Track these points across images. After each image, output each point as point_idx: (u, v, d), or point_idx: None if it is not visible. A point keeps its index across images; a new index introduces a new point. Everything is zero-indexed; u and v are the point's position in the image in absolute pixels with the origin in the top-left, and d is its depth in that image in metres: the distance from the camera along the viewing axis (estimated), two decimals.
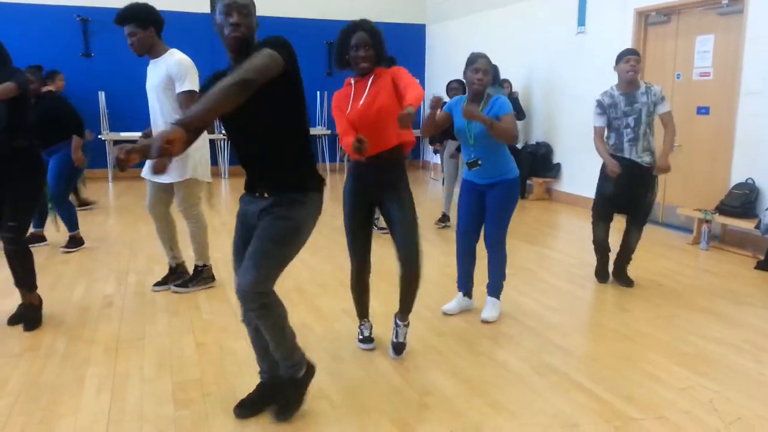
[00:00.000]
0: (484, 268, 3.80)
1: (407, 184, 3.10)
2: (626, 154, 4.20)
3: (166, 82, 3.80)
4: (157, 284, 4.28)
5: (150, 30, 3.77)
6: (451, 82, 6.38)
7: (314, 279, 4.56)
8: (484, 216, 3.67)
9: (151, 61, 3.90)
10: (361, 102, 2.96)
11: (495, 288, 3.77)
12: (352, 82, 3.04)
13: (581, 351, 3.29)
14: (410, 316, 3.24)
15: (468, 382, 2.91)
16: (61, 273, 4.64)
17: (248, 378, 2.91)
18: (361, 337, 3.33)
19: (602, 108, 4.24)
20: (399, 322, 3.20)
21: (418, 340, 3.41)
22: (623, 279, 4.46)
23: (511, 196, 3.61)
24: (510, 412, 2.63)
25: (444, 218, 6.48)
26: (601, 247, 4.45)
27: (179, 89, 3.79)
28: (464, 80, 3.58)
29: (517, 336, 3.48)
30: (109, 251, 5.32)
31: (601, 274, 4.52)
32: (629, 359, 3.18)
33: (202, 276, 4.27)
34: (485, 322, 3.67)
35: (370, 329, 3.35)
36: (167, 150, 1.81)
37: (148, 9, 3.77)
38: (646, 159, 4.20)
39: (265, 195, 2.43)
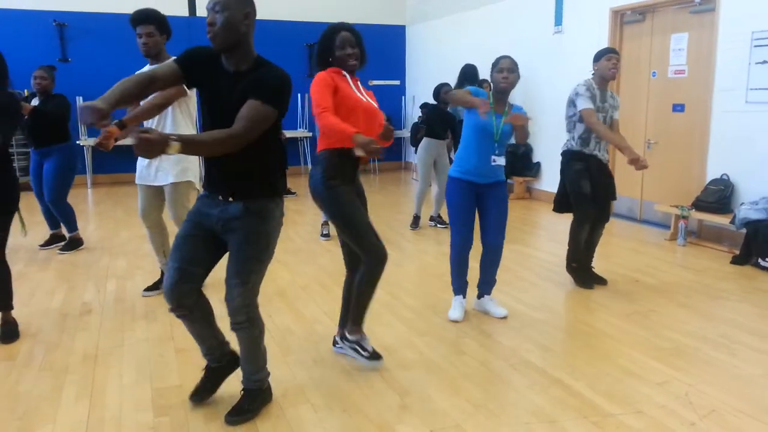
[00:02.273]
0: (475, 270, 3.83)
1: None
2: (592, 150, 4.23)
3: None
4: (148, 289, 4.25)
5: (164, 37, 3.86)
6: (445, 85, 6.37)
7: (295, 282, 4.55)
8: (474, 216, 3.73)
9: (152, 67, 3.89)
10: (363, 99, 3.00)
11: (492, 286, 3.87)
12: (346, 74, 3.01)
13: (560, 348, 3.32)
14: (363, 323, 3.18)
15: (449, 382, 2.92)
16: (40, 280, 4.59)
17: (229, 383, 2.90)
18: (366, 354, 3.08)
19: (591, 93, 4.12)
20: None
21: (400, 340, 3.42)
22: (595, 277, 4.45)
23: (507, 196, 3.77)
24: (490, 410, 2.65)
25: (417, 220, 6.42)
26: (581, 252, 4.38)
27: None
28: (491, 82, 3.65)
29: (497, 334, 3.51)
30: (88, 258, 5.27)
31: (586, 280, 4.38)
32: (607, 355, 3.22)
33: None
34: (505, 317, 3.75)
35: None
36: (144, 147, 1.96)
37: (165, 17, 3.86)
38: (606, 156, 4.29)
39: (230, 199, 2.43)
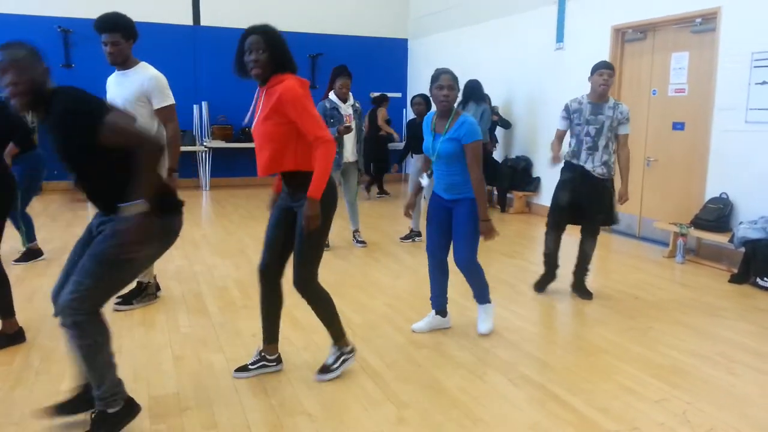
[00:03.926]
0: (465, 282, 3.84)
1: (325, 207, 2.80)
2: (581, 162, 4.29)
3: (139, 96, 3.74)
4: (120, 303, 4.09)
5: (130, 42, 3.73)
6: (414, 97, 6.43)
7: (293, 292, 4.53)
8: (451, 232, 3.65)
9: (119, 72, 3.81)
10: (255, 120, 2.78)
11: (482, 296, 3.76)
12: (256, 92, 2.85)
13: (558, 363, 3.32)
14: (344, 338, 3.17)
15: (446, 395, 2.92)
16: (38, 286, 4.59)
17: (227, 392, 2.90)
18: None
19: (567, 112, 4.37)
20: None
21: (398, 353, 3.42)
22: (582, 291, 4.49)
23: (469, 212, 3.51)
24: (487, 424, 2.65)
25: (412, 234, 6.41)
26: (551, 258, 4.49)
27: (159, 105, 3.77)
28: (430, 97, 3.52)
29: (495, 348, 3.51)
30: None
31: (541, 285, 4.54)
32: (605, 371, 3.22)
33: (147, 292, 4.19)
34: (482, 335, 3.68)
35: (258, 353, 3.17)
36: None
37: (131, 22, 3.72)
38: (599, 170, 4.27)
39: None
